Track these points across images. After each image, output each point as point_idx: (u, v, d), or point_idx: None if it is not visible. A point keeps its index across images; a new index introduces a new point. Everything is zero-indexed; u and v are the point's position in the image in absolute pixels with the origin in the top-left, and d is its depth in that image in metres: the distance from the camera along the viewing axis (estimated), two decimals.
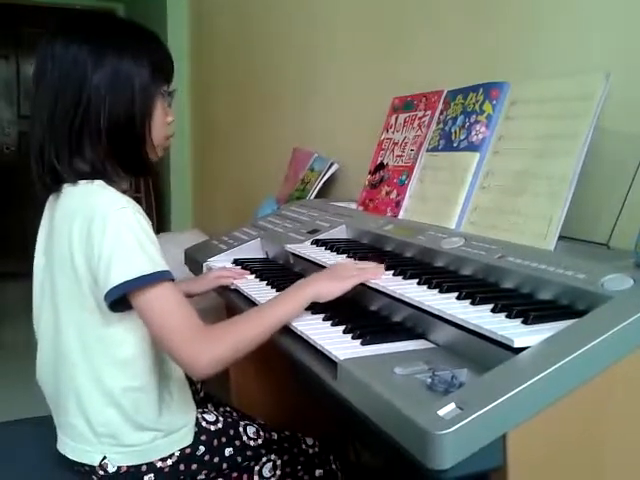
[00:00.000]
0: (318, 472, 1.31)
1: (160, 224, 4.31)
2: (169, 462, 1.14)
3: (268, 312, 1.08)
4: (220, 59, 3.59)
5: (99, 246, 1.01)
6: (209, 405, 1.40)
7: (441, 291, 1.02)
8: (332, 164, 2.13)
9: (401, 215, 1.47)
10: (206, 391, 1.44)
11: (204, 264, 1.62)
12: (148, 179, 4.25)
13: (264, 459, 1.25)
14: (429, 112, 1.51)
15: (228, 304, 1.51)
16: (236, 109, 3.33)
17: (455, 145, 1.36)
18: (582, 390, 0.74)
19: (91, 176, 1.08)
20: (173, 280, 1.04)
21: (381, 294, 1.10)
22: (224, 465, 1.20)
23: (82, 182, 1.08)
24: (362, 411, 0.81)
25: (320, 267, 1.27)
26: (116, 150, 1.10)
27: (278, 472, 1.26)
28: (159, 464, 1.13)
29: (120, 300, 1.02)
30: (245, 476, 1.22)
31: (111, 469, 1.10)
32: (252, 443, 1.24)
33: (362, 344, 0.96)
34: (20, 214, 4.49)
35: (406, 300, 1.02)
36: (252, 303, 1.28)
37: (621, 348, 0.77)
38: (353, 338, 0.99)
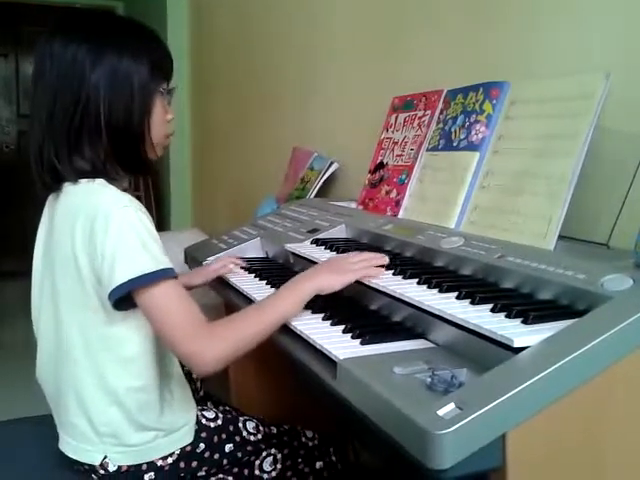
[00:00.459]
0: (318, 464, 1.31)
1: (160, 223, 4.30)
2: (169, 460, 1.14)
3: (270, 308, 1.08)
4: (220, 58, 3.59)
5: (102, 245, 1.01)
6: (209, 404, 1.40)
7: (441, 291, 1.02)
8: (332, 163, 2.13)
9: (401, 214, 1.47)
10: (205, 390, 1.44)
11: (204, 263, 1.62)
12: (148, 178, 4.26)
13: (264, 453, 1.25)
14: (429, 111, 1.51)
15: (227, 303, 1.51)
16: (236, 108, 3.33)
17: (455, 145, 1.36)
18: (582, 390, 0.74)
19: (91, 175, 1.08)
20: (176, 277, 1.04)
21: (381, 293, 1.10)
22: (224, 461, 1.20)
23: (83, 181, 1.08)
24: (362, 411, 0.81)
25: None
26: (115, 148, 1.09)
27: (279, 466, 1.26)
28: (159, 462, 1.13)
29: (124, 299, 1.02)
30: (246, 471, 1.22)
31: (112, 468, 1.10)
32: (252, 438, 1.24)
33: (362, 344, 0.96)
34: (19, 213, 4.49)
35: (406, 300, 1.02)
36: (252, 302, 1.27)
37: (621, 348, 0.77)
38: (353, 338, 0.99)
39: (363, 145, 1.82)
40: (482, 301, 0.94)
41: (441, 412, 0.69)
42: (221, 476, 1.20)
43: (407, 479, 1.27)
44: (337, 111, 2.27)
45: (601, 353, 0.75)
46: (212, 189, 3.81)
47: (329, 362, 0.93)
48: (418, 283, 1.08)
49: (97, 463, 1.10)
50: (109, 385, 1.09)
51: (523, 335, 0.81)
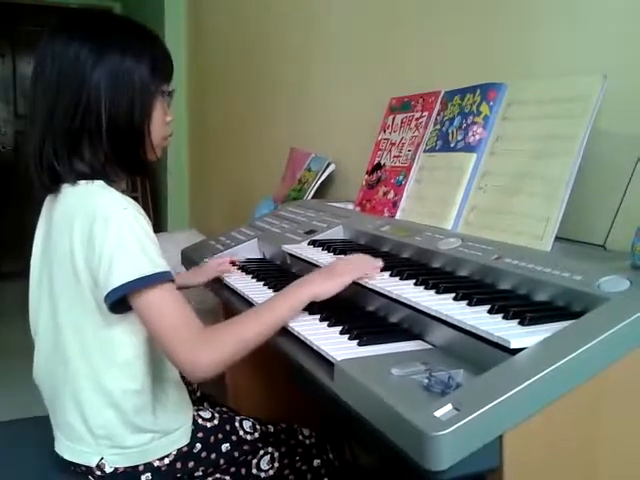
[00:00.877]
0: (316, 462, 1.31)
1: (157, 224, 4.30)
2: (166, 461, 1.14)
3: (266, 313, 1.08)
4: (217, 59, 3.59)
5: (100, 247, 1.00)
6: (205, 403, 1.40)
7: (438, 292, 1.02)
8: (329, 164, 2.13)
9: (398, 216, 1.47)
10: (202, 391, 1.44)
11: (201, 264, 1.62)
12: (145, 179, 4.25)
13: (261, 452, 1.25)
14: (426, 113, 1.51)
15: (225, 305, 1.51)
16: (233, 109, 3.33)
17: (452, 146, 1.36)
18: (579, 391, 0.74)
19: (90, 176, 1.08)
20: (173, 281, 1.04)
21: (378, 295, 1.10)
22: (221, 461, 1.20)
23: (82, 182, 1.08)
24: (359, 412, 0.81)
25: (317, 267, 1.27)
26: (115, 150, 1.09)
27: (276, 464, 1.26)
28: (156, 463, 1.13)
29: (120, 301, 1.02)
30: (243, 470, 1.22)
31: (108, 470, 1.10)
32: (248, 437, 1.24)
33: (359, 345, 0.96)
34: (17, 213, 4.48)
35: (403, 301, 1.02)
36: (249, 304, 1.28)
37: (617, 350, 0.77)
38: (350, 339, 0.99)
39: (360, 146, 1.82)
40: (479, 302, 0.95)
41: (438, 413, 0.69)
42: (218, 476, 1.20)
43: None
44: (335, 112, 2.28)
45: (598, 354, 0.75)
46: (209, 190, 3.81)
47: (326, 363, 0.93)
48: (415, 284, 1.08)
49: (93, 465, 1.10)
50: (105, 387, 1.08)
51: (520, 336, 0.81)
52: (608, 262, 0.96)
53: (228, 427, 1.23)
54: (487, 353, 0.83)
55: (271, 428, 1.30)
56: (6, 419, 1.34)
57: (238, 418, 1.27)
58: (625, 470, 0.81)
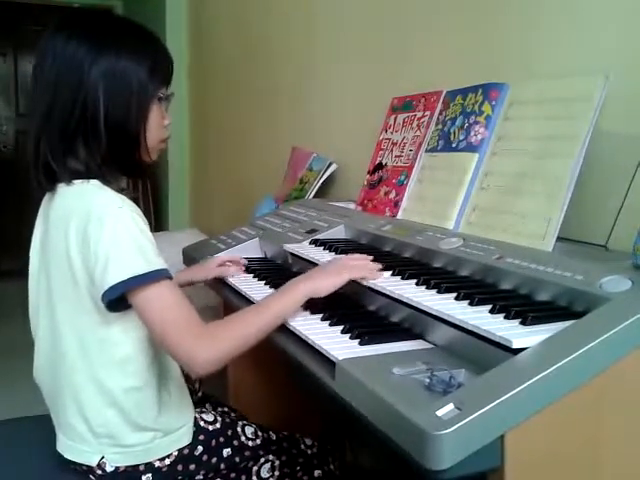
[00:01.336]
0: (317, 473, 1.31)
1: (158, 223, 4.30)
2: (167, 462, 1.13)
3: (265, 309, 1.08)
4: (219, 58, 3.59)
5: (95, 246, 1.00)
6: (207, 405, 1.39)
7: (439, 292, 1.02)
8: (331, 164, 2.13)
9: (400, 215, 1.47)
10: (204, 391, 1.44)
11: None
12: (146, 178, 4.25)
13: (262, 460, 1.24)
14: (428, 112, 1.51)
15: (226, 303, 1.51)
16: (235, 108, 3.33)
17: (454, 146, 1.36)
18: (580, 391, 0.74)
19: (86, 176, 1.08)
20: (171, 278, 1.04)
21: (379, 294, 1.10)
22: (222, 465, 1.19)
23: (77, 182, 1.08)
24: (360, 411, 0.81)
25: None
26: (111, 150, 1.09)
27: (276, 473, 1.25)
28: (157, 464, 1.12)
29: (118, 300, 1.02)
30: (243, 477, 1.22)
31: (109, 469, 1.10)
32: (250, 443, 1.24)
33: (360, 344, 0.96)
34: (17, 212, 4.48)
35: (404, 300, 1.02)
36: (250, 302, 1.27)
37: (619, 349, 0.77)
38: (351, 338, 0.99)
39: (362, 146, 1.82)
40: (481, 302, 0.95)
41: (440, 413, 0.69)
42: None
43: None
44: (336, 112, 2.28)
45: (600, 354, 0.75)
46: (210, 189, 3.81)
47: (328, 362, 0.93)
48: (417, 284, 1.08)
49: (94, 464, 1.10)
50: (105, 386, 1.08)
51: (522, 336, 0.81)
52: (610, 262, 0.96)
53: (230, 432, 1.23)
54: (489, 353, 0.83)
55: (273, 435, 1.29)
56: (7, 418, 1.34)
57: (240, 423, 1.26)
58: (628, 470, 0.81)
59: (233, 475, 1.21)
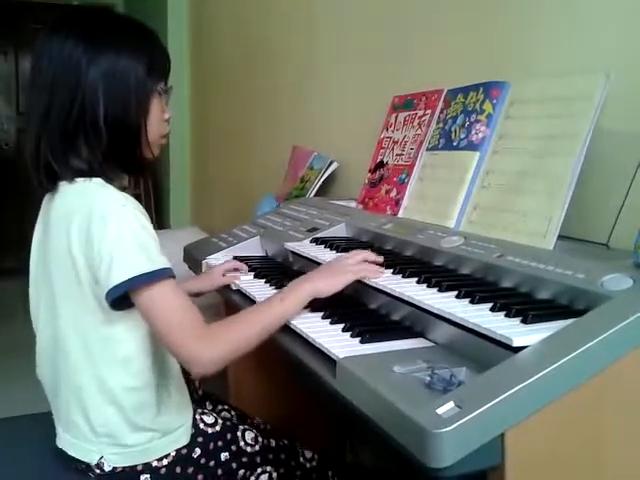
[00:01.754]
0: None
1: (159, 221, 4.30)
2: (165, 462, 1.13)
3: (268, 310, 1.08)
4: (220, 57, 3.59)
5: (99, 245, 1.00)
6: (207, 404, 1.39)
7: (440, 290, 1.02)
8: (332, 162, 2.13)
9: (401, 214, 1.47)
10: (204, 389, 1.44)
11: (203, 261, 1.62)
12: (147, 176, 4.25)
13: (259, 470, 1.23)
14: (429, 111, 1.51)
15: (227, 301, 1.51)
16: (236, 107, 3.33)
17: (455, 144, 1.36)
18: (581, 389, 0.74)
19: (88, 174, 1.08)
20: (174, 277, 1.04)
21: (380, 292, 1.10)
22: (219, 471, 1.18)
23: (79, 180, 1.07)
24: (361, 409, 0.81)
25: (319, 265, 1.27)
26: (112, 147, 1.08)
27: None
28: (155, 464, 1.12)
29: (122, 298, 1.02)
30: None
31: (107, 468, 1.10)
32: (249, 449, 1.23)
33: (361, 342, 0.96)
34: (18, 210, 4.49)
35: (405, 299, 1.02)
36: (251, 301, 1.28)
37: (620, 348, 0.77)
38: (352, 336, 0.99)
39: (363, 144, 1.82)
40: (481, 300, 0.95)
41: (440, 411, 0.69)
42: None
43: (406, 478, 1.28)
44: (337, 110, 2.27)
45: (600, 353, 0.75)
46: (212, 187, 3.81)
47: (328, 361, 0.93)
48: (417, 282, 1.08)
49: (94, 462, 1.10)
50: (106, 385, 1.08)
51: (522, 334, 0.81)
52: (611, 260, 0.96)
53: (229, 436, 1.22)
54: (489, 351, 0.83)
55: (273, 442, 1.27)
56: (8, 416, 1.34)
57: (241, 427, 1.25)
58: (628, 468, 0.81)
59: None
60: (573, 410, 0.76)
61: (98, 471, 1.10)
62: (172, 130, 1.22)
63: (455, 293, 0.99)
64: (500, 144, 1.26)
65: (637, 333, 0.77)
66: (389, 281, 1.10)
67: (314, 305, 1.11)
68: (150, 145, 1.14)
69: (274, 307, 1.08)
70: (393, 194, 1.52)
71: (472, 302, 0.95)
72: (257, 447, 1.24)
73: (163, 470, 1.13)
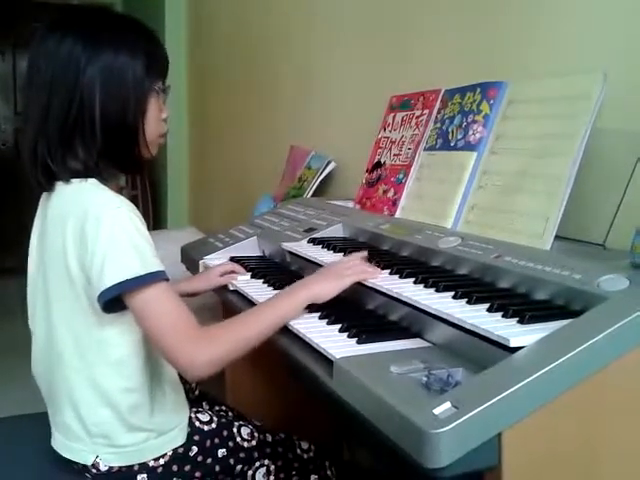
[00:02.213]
0: (313, 477, 1.29)
1: (156, 222, 4.30)
2: (161, 462, 1.13)
3: (265, 314, 1.08)
4: (218, 56, 3.58)
5: (92, 246, 1.00)
6: (204, 404, 1.39)
7: (437, 290, 1.02)
8: (329, 162, 2.13)
9: (398, 214, 1.47)
10: (201, 389, 1.44)
11: (200, 262, 1.62)
12: (145, 176, 4.25)
13: (257, 464, 1.23)
14: (426, 111, 1.51)
15: (224, 302, 1.51)
16: (233, 106, 3.33)
17: (452, 144, 1.36)
18: (577, 390, 0.74)
19: (84, 174, 1.07)
20: (167, 280, 1.04)
21: (377, 293, 1.10)
22: (217, 467, 1.18)
23: (75, 181, 1.07)
24: (358, 409, 0.81)
25: (316, 265, 1.27)
26: (109, 147, 1.08)
27: (272, 477, 1.24)
28: (151, 463, 1.12)
29: (115, 301, 1.01)
30: None
31: (103, 468, 1.10)
32: (245, 445, 1.23)
33: (358, 343, 0.96)
34: (17, 210, 4.47)
35: (402, 299, 1.02)
36: (248, 301, 1.27)
37: (617, 348, 0.77)
38: (349, 337, 0.99)
39: (361, 144, 1.82)
40: (478, 301, 0.95)
41: (437, 411, 0.69)
42: None
43: (403, 478, 1.28)
44: (335, 110, 2.27)
45: (597, 353, 0.75)
46: (209, 188, 3.80)
47: (325, 361, 0.93)
48: (415, 282, 1.08)
49: (89, 463, 1.10)
50: (100, 386, 1.08)
51: (519, 335, 0.81)
52: (608, 261, 0.96)
53: (225, 432, 1.22)
54: (486, 351, 0.83)
55: (269, 437, 1.28)
56: (7, 415, 1.34)
57: (237, 424, 1.25)
58: (624, 469, 0.81)
59: (229, 479, 1.20)
60: (570, 410, 0.76)
61: (94, 471, 1.10)
62: (169, 130, 1.22)
63: (452, 293, 0.99)
64: (497, 144, 1.26)
65: (634, 333, 0.77)
66: (386, 281, 1.10)
67: (311, 306, 1.11)
68: (148, 144, 1.14)
69: (272, 310, 1.08)
70: (390, 194, 1.52)
71: (469, 302, 0.95)
72: (254, 442, 1.24)
73: (160, 469, 1.12)
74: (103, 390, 1.08)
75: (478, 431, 0.69)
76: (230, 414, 1.38)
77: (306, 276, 1.20)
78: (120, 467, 1.10)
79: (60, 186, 1.08)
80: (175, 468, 1.14)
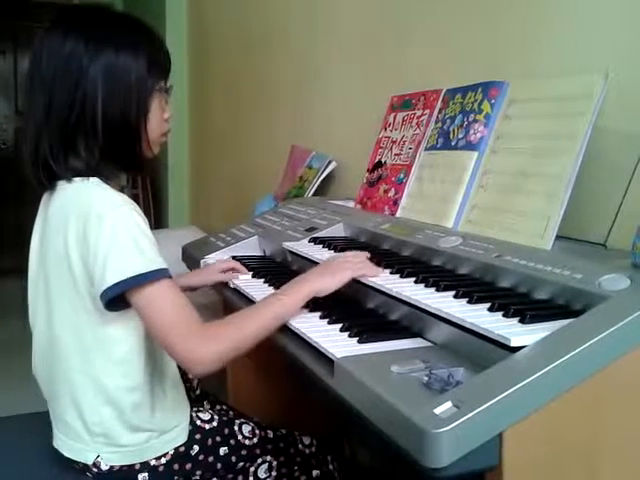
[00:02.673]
0: (315, 473, 1.30)
1: (157, 220, 4.30)
2: (163, 461, 1.13)
3: (266, 310, 1.08)
4: (219, 56, 3.58)
5: (95, 245, 1.00)
6: (205, 403, 1.39)
7: (438, 290, 1.02)
8: (330, 162, 2.13)
9: (399, 213, 1.47)
10: (202, 389, 1.44)
11: (201, 261, 1.62)
12: (146, 176, 4.25)
13: (259, 460, 1.23)
14: (427, 111, 1.51)
15: (225, 301, 1.51)
16: (234, 106, 3.33)
17: (453, 144, 1.36)
18: (578, 389, 0.74)
19: (85, 173, 1.07)
20: (171, 277, 1.04)
21: (378, 292, 1.10)
22: (219, 465, 1.19)
23: (77, 179, 1.07)
24: (359, 409, 0.81)
25: (317, 265, 1.27)
26: (111, 146, 1.08)
27: (274, 473, 1.24)
28: (153, 462, 1.12)
29: (117, 299, 1.01)
30: (240, 477, 1.21)
31: (104, 467, 1.10)
32: (247, 442, 1.23)
33: (359, 342, 0.96)
34: (17, 209, 4.49)
35: (403, 298, 1.02)
36: (249, 300, 1.28)
37: (618, 348, 0.77)
38: (350, 336, 0.99)
39: (361, 144, 1.82)
40: (479, 300, 0.95)
41: (438, 411, 0.69)
42: None
43: (404, 478, 1.28)
44: (336, 110, 2.27)
45: (598, 353, 0.75)
46: (210, 187, 3.80)
47: (326, 361, 0.93)
48: (415, 282, 1.08)
49: (90, 462, 1.10)
50: (102, 385, 1.08)
51: (520, 334, 0.81)
52: (609, 260, 0.96)
53: (227, 430, 1.22)
54: (487, 351, 0.83)
55: (270, 434, 1.28)
56: (8, 415, 1.34)
57: (238, 422, 1.25)
58: (626, 469, 0.81)
59: (230, 476, 1.20)
60: (571, 410, 0.76)
61: (95, 470, 1.10)
62: (171, 129, 1.22)
63: (453, 293, 0.99)
64: (498, 144, 1.26)
65: (634, 333, 0.77)
66: (387, 281, 1.10)
67: (312, 305, 1.11)
68: (150, 144, 1.14)
69: (272, 306, 1.08)
70: (391, 194, 1.52)
71: (470, 302, 0.95)
72: (255, 439, 1.24)
73: (161, 468, 1.13)
74: (105, 389, 1.08)
75: (479, 431, 0.69)
76: (231, 413, 1.38)
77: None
78: (121, 466, 1.11)
79: (62, 185, 1.08)
80: (176, 467, 1.14)
